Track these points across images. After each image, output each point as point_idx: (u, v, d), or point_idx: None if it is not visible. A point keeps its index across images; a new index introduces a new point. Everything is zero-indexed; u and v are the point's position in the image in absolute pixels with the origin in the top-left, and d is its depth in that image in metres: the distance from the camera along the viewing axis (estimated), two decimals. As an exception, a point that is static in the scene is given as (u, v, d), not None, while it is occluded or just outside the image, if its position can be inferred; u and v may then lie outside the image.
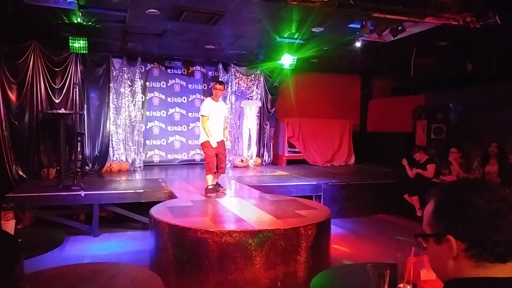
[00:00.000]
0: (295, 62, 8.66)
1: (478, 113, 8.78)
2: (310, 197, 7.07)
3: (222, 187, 6.13)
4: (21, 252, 1.35)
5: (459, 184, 1.07)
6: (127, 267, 2.48)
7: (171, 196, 6.11)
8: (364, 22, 5.68)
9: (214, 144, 5.66)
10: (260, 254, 3.90)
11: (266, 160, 10.50)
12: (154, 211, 4.67)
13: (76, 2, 5.66)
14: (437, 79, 9.57)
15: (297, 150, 10.61)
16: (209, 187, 5.75)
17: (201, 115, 5.76)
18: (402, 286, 2.05)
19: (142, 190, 6.31)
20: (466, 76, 8.57)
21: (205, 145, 5.75)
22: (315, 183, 7.45)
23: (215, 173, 5.83)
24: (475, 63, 8.19)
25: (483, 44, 7.32)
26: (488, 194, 0.97)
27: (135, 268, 2.49)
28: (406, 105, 10.19)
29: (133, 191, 6.31)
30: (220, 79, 9.40)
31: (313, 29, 6.89)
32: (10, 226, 2.87)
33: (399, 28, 5.96)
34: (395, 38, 6.33)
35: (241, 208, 5.18)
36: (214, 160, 5.73)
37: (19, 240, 2.82)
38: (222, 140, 5.92)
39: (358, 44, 7.30)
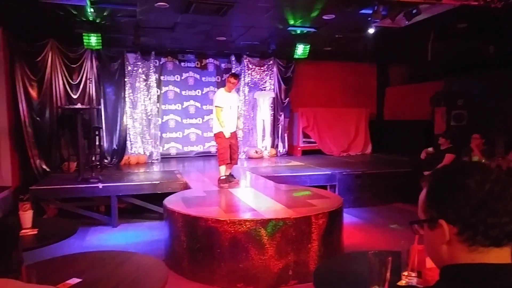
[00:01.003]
0: (308, 51, 8.60)
1: (502, 98, 8.39)
2: (324, 187, 7.07)
3: (235, 178, 6.20)
4: (19, 238, 1.42)
5: (450, 167, 1.05)
6: (135, 255, 2.56)
7: (186, 187, 6.22)
8: (376, 7, 5.53)
9: (227, 135, 5.72)
10: (271, 242, 3.95)
11: (281, 151, 10.51)
12: (168, 201, 4.78)
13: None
14: (456, 63, 9.24)
15: (312, 140, 10.56)
16: (221, 177, 5.82)
17: (215, 106, 5.81)
18: (406, 273, 2.06)
19: (158, 182, 6.44)
20: (488, 60, 8.25)
21: (218, 136, 5.81)
22: (330, 172, 7.45)
23: (228, 164, 5.89)
24: (498, 46, 7.86)
25: (505, 25, 6.94)
26: (480, 175, 0.95)
27: (142, 256, 2.57)
28: (424, 92, 9.95)
29: (149, 182, 6.45)
30: (233, 71, 9.46)
31: (324, 17, 6.82)
32: (27, 216, 2.98)
33: (414, 11, 5.73)
34: (410, 22, 6.12)
35: (253, 198, 5.25)
36: (228, 150, 5.78)
37: (37, 229, 2.95)
38: (235, 131, 5.98)
39: (371, 30, 7.14)
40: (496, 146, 6.65)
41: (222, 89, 5.91)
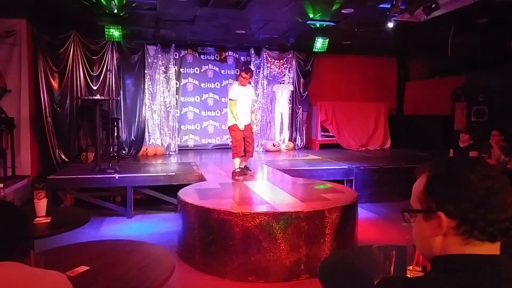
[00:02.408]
0: (327, 45, 8.53)
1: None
2: (341, 182, 7.02)
3: (250, 171, 6.22)
4: (30, 226, 1.46)
5: (453, 161, 1.05)
6: (144, 244, 2.61)
7: (201, 179, 6.26)
8: (394, 1, 5.47)
9: (241, 127, 5.75)
10: (284, 236, 3.95)
11: (299, 145, 10.49)
12: (182, 193, 4.82)
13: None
14: (477, 58, 9.09)
15: (330, 134, 10.49)
16: (236, 170, 5.85)
17: (229, 99, 5.87)
18: (411, 268, 2.04)
19: (174, 173, 6.50)
20: (509, 55, 8.09)
21: (232, 129, 5.87)
22: (347, 167, 7.39)
23: (242, 156, 5.91)
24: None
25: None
26: (482, 171, 0.96)
27: (151, 246, 2.62)
28: (445, 86, 9.80)
29: (165, 174, 6.50)
30: (249, 66, 9.57)
31: (343, 10, 6.75)
32: (42, 204, 3.05)
33: (433, 6, 5.67)
34: (429, 17, 6.05)
35: (267, 191, 5.25)
36: (242, 143, 5.81)
37: (50, 218, 3.02)
38: (249, 124, 6.00)
39: (390, 24, 7.05)
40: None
41: (236, 83, 5.99)
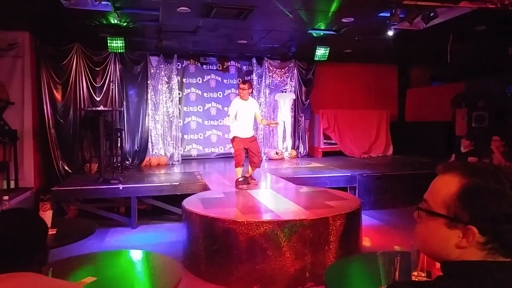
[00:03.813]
0: (328, 53, 8.59)
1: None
2: (344, 189, 7.03)
3: (254, 179, 6.24)
4: (47, 232, 1.46)
5: (491, 172, 0.96)
6: (150, 254, 2.62)
7: (205, 188, 6.28)
8: (394, 10, 5.54)
9: (242, 137, 5.83)
10: (288, 244, 3.96)
11: (302, 152, 10.52)
12: (186, 202, 4.84)
13: (111, 4, 5.89)
14: (476, 65, 9.19)
15: (333, 141, 10.53)
16: (239, 179, 5.88)
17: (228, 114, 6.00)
18: (416, 273, 2.05)
19: (178, 183, 6.51)
20: (507, 62, 8.17)
21: (233, 140, 6.00)
22: (350, 174, 7.40)
23: (242, 166, 5.97)
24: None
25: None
26: None
27: (157, 255, 2.62)
28: (445, 93, 9.87)
29: (169, 184, 6.52)
30: (250, 76, 9.88)
31: (343, 20, 6.82)
32: (47, 216, 3.05)
33: (431, 14, 5.75)
34: (428, 25, 6.12)
35: (271, 199, 5.27)
36: (242, 153, 5.89)
37: (56, 229, 3.04)
38: (253, 136, 6.07)
39: (390, 33, 7.12)
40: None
41: (237, 98, 6.07)
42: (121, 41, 7.39)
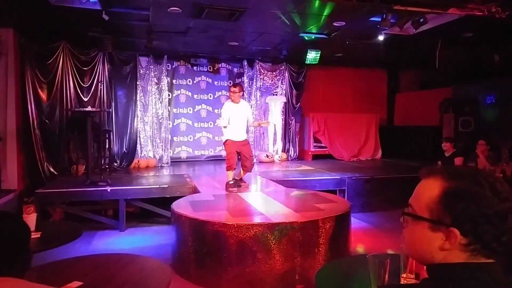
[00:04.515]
0: (319, 57, 8.61)
1: (508, 105, 8.52)
2: (334, 192, 7.05)
3: (244, 182, 6.21)
4: (30, 236, 1.41)
5: (473, 175, 0.98)
6: (138, 258, 2.57)
7: (195, 191, 6.23)
8: (384, 15, 5.58)
9: (234, 139, 5.79)
10: (278, 247, 3.94)
11: (292, 155, 10.53)
12: (176, 205, 4.79)
13: (99, 2, 5.82)
14: (463, 71, 9.34)
15: (323, 145, 10.57)
16: (229, 182, 5.84)
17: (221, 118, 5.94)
18: (405, 275, 2.06)
19: (167, 185, 6.45)
20: (494, 68, 8.31)
21: (225, 143, 5.94)
22: (339, 177, 7.43)
23: (234, 169, 5.93)
24: (502, 54, 7.92)
25: (510, 34, 7.06)
26: (503, 192, 0.95)
27: (146, 259, 2.58)
28: (434, 98, 9.96)
29: (158, 186, 6.45)
30: (241, 78, 9.91)
31: (335, 23, 6.84)
32: (31, 219, 2.96)
33: (421, 20, 5.83)
34: (418, 31, 6.19)
35: (261, 202, 5.24)
36: (234, 156, 5.84)
37: (40, 233, 2.96)
38: (246, 139, 6.03)
39: (381, 37, 7.19)
40: (501, 152, 6.64)
41: (228, 101, 6.01)
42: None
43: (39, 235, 2.98)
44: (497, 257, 0.95)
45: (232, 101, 5.88)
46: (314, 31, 7.46)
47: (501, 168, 6.13)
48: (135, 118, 9.03)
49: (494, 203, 0.92)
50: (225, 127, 5.79)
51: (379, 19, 5.87)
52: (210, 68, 10.19)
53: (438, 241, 0.96)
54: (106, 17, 6.24)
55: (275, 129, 10.23)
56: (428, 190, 1.00)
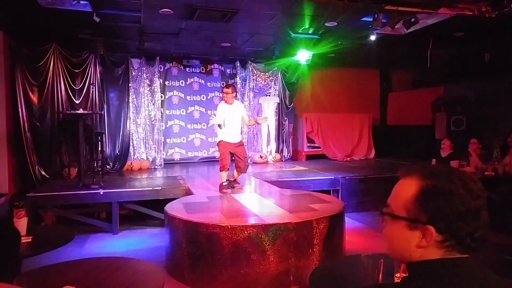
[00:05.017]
0: (311, 57, 8.62)
1: (498, 103, 8.60)
2: (328, 192, 7.07)
3: (238, 183, 6.19)
4: (19, 244, 1.39)
5: (446, 173, 1.01)
6: (131, 261, 2.54)
7: (188, 192, 6.21)
8: (376, 15, 5.60)
9: (228, 139, 5.79)
10: (272, 247, 3.93)
11: (286, 156, 10.53)
12: (169, 207, 4.77)
13: (90, 4, 5.78)
14: (455, 70, 9.41)
15: (316, 145, 10.60)
16: (223, 183, 5.82)
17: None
18: (399, 275, 2.06)
19: (160, 188, 6.42)
20: (484, 67, 8.37)
21: (219, 144, 5.92)
22: (333, 177, 7.44)
23: (227, 170, 5.91)
24: (493, 53, 7.99)
25: (500, 33, 7.12)
26: (475, 190, 0.98)
27: (139, 262, 2.54)
28: (426, 97, 10.05)
29: (151, 188, 6.42)
30: (234, 79, 9.90)
31: (327, 24, 6.85)
32: (22, 223, 2.92)
33: (412, 20, 5.85)
34: (409, 31, 6.22)
35: (255, 203, 5.24)
36: (227, 157, 5.82)
37: (31, 237, 2.93)
38: (240, 141, 6.01)
39: (373, 37, 7.21)
40: (493, 150, 6.69)
41: (222, 103, 5.98)
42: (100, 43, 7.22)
43: (30, 239, 2.93)
44: (472, 252, 0.98)
45: (226, 102, 5.86)
46: (306, 32, 7.46)
47: (492, 167, 6.17)
48: (128, 120, 8.98)
49: (467, 200, 0.95)
50: (219, 125, 5.74)
51: (371, 19, 5.88)
52: (202, 69, 10.16)
53: (415, 239, 0.99)
54: (97, 19, 6.19)
55: (268, 130, 10.24)
56: (405, 190, 1.03)
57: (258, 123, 6.08)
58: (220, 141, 5.87)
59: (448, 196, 0.96)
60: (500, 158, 6.40)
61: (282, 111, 10.48)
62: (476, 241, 0.96)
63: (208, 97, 10.19)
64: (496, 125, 8.43)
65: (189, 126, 10.08)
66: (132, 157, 9.09)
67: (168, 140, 9.87)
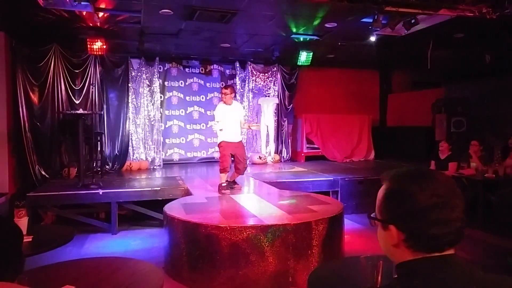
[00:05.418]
0: (311, 58, 8.63)
1: (499, 105, 8.59)
2: (327, 193, 7.06)
3: (237, 184, 6.20)
4: (22, 239, 1.38)
5: (406, 175, 1.08)
6: (130, 261, 2.54)
7: (187, 193, 6.21)
8: (376, 16, 5.59)
9: (229, 140, 5.78)
10: (271, 249, 3.93)
11: (285, 157, 10.53)
12: (168, 208, 4.77)
13: (91, 4, 5.78)
14: (455, 71, 9.40)
15: (315, 146, 10.58)
16: (222, 184, 5.83)
17: (216, 121, 5.93)
18: (397, 277, 2.06)
19: (159, 188, 6.42)
20: (485, 68, 8.36)
21: (220, 145, 5.92)
22: (332, 178, 7.43)
23: (227, 172, 5.91)
24: (494, 54, 7.98)
25: (501, 34, 7.10)
26: (431, 189, 1.00)
27: (138, 262, 2.55)
28: (426, 98, 10.03)
29: (150, 189, 6.42)
30: (233, 80, 9.88)
31: (327, 25, 6.85)
32: (22, 223, 2.93)
33: (412, 21, 5.84)
34: (409, 32, 6.21)
35: (254, 204, 5.23)
36: (228, 159, 5.83)
37: (31, 237, 2.93)
38: (240, 141, 6.03)
39: (373, 38, 7.21)
40: (494, 152, 6.68)
41: (221, 103, 5.99)
42: (101, 43, 7.22)
43: (30, 239, 2.94)
44: (439, 250, 0.99)
45: (225, 103, 5.87)
46: (306, 32, 7.47)
47: (493, 169, 6.15)
48: (127, 121, 8.98)
49: (421, 199, 0.99)
50: (221, 130, 5.76)
51: (371, 20, 5.87)
52: (202, 69, 10.17)
53: (389, 239, 1.05)
54: (97, 20, 6.20)
55: (267, 131, 10.23)
56: (379, 194, 1.11)
57: (251, 129, 6.08)
58: (221, 142, 5.87)
59: (405, 196, 1.02)
60: (501, 160, 6.39)
61: (281, 112, 10.48)
62: (433, 238, 0.98)
63: (208, 98, 10.19)
64: (497, 127, 8.43)
65: (188, 126, 10.07)
66: (131, 157, 9.09)
67: (167, 140, 9.87)
